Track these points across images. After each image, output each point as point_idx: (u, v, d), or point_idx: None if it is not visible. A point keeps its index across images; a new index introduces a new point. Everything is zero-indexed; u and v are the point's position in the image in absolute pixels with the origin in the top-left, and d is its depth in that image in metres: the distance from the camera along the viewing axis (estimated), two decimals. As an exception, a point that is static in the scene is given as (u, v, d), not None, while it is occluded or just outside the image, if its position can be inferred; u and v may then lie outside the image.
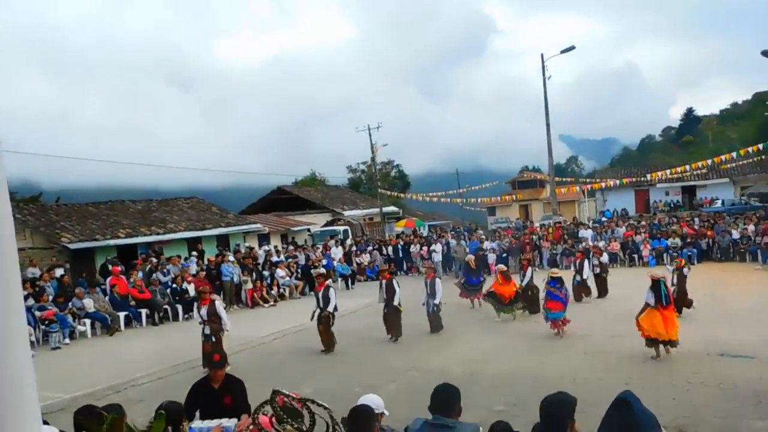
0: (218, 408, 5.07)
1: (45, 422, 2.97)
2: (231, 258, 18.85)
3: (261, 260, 20.72)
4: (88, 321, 14.56)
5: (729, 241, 21.25)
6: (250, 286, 18.41)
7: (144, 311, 15.90)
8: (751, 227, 21.42)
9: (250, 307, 18.08)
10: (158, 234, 21.67)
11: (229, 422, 4.78)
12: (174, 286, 17.05)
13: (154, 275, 17.03)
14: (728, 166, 37.32)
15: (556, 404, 3.30)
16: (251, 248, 22.30)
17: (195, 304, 14.28)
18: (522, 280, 14.41)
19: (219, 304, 11.17)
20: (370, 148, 39.90)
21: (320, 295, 11.98)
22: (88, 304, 14.68)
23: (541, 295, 12.73)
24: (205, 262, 19.32)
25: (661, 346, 9.56)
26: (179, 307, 16.57)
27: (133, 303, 15.83)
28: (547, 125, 26.31)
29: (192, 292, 16.48)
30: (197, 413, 5.15)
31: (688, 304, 12.71)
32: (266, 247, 24.31)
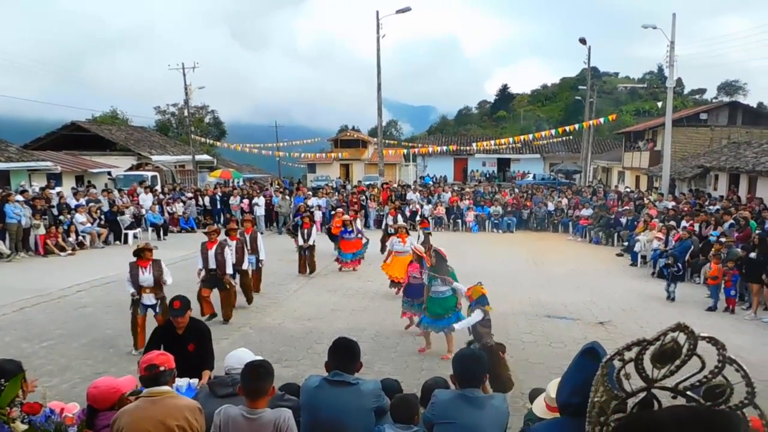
0: (181, 354, 4.75)
1: None
2: (18, 198, 16.09)
3: (55, 203, 18.06)
4: None
5: (545, 212, 23.64)
6: (42, 231, 15.94)
7: None
8: (564, 201, 24.14)
9: (43, 255, 15.72)
10: None
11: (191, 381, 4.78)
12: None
13: None
14: (541, 142, 41.46)
15: (473, 359, 3.31)
16: (44, 188, 19.31)
17: None
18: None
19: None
20: (184, 90, 37.04)
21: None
22: None
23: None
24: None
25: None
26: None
27: None
28: (378, 85, 26.37)
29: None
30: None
31: None
32: (59, 189, 21.28)
